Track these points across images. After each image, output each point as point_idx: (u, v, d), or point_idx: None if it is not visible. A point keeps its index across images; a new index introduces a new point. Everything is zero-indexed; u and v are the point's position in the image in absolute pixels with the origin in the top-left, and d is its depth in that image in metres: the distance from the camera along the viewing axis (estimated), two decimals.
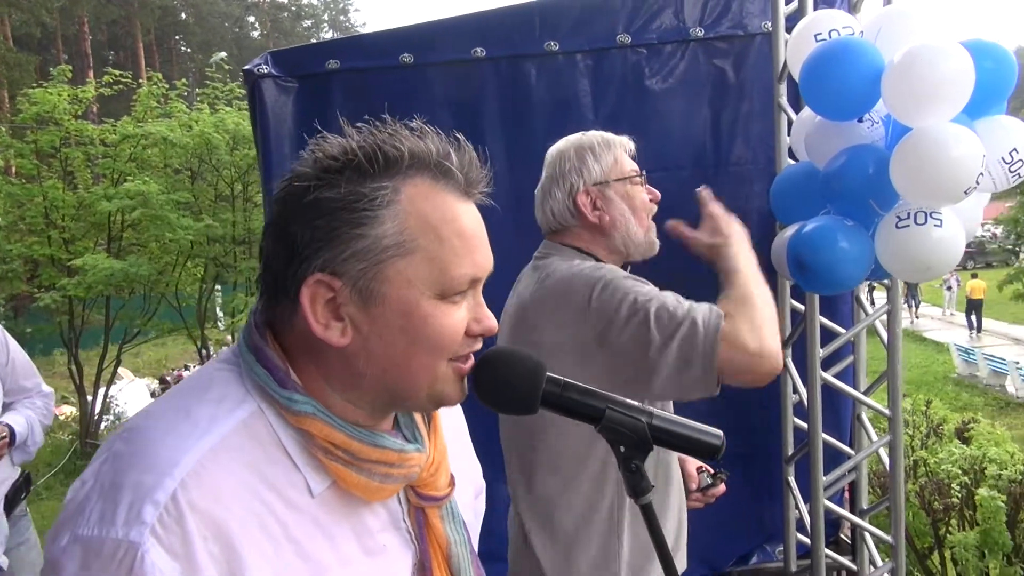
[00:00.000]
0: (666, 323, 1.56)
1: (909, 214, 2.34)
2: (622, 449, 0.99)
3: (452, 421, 1.15)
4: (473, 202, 0.95)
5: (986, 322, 20.50)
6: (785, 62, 3.04)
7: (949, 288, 24.14)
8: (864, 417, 3.45)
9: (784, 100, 3.21)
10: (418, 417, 1.04)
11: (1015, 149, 2.42)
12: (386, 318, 0.89)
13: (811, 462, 3.21)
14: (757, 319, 1.59)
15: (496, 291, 1.12)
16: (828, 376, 3.18)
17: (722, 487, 1.96)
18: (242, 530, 0.83)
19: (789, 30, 3.09)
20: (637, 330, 1.58)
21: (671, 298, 1.61)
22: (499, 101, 3.33)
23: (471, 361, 0.97)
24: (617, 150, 1.89)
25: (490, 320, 0.96)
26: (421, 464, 0.98)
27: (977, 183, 2.25)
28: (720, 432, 1.01)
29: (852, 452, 3.44)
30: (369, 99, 3.10)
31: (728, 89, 3.49)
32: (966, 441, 5.84)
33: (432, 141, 0.92)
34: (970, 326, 20.44)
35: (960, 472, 5.04)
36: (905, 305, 14.45)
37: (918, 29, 2.39)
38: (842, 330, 3.32)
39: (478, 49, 3.25)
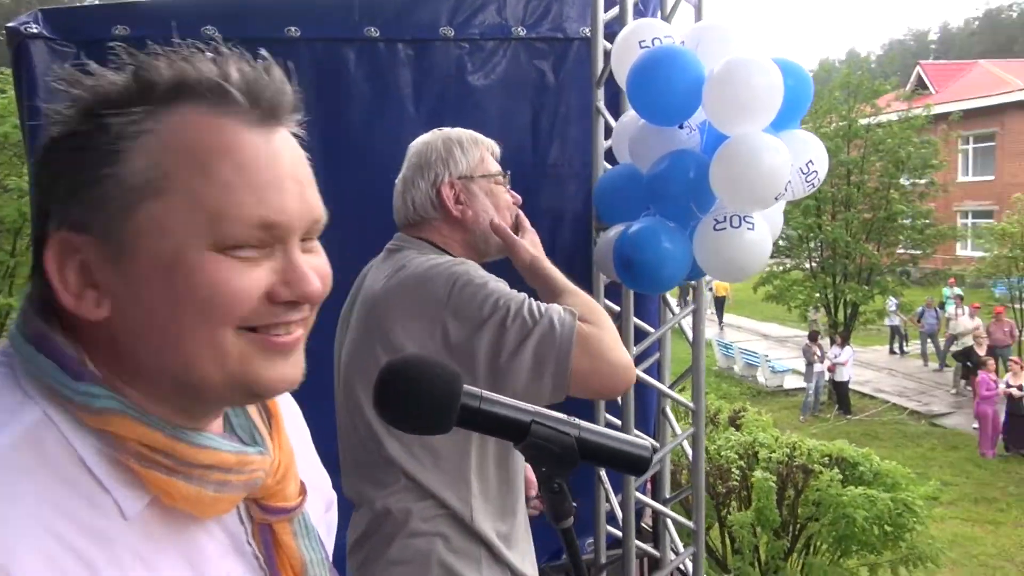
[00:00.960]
0: (527, 323, 1.50)
1: (725, 217, 2.47)
2: (543, 469, 0.89)
3: (293, 423, 0.96)
4: (279, 133, 0.77)
5: (741, 319, 22.90)
6: (604, 67, 3.12)
7: (710, 289, 26.65)
8: (668, 411, 3.63)
9: (602, 104, 3.28)
10: (255, 416, 0.85)
11: (811, 161, 2.65)
12: (142, 277, 0.71)
13: None
14: (608, 326, 1.57)
15: None
16: (640, 372, 3.30)
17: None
18: None
19: (607, 37, 3.17)
20: (496, 330, 1.51)
21: (530, 299, 1.55)
22: (314, 87, 3.10)
23: (295, 335, 0.77)
24: (484, 149, 1.84)
25: (305, 283, 0.75)
26: (265, 469, 0.80)
27: (785, 190, 2.43)
28: (648, 442, 0.94)
29: (658, 445, 3.60)
30: None
31: (547, 91, 3.51)
32: (738, 428, 6.41)
33: (218, 64, 0.74)
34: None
35: (737, 457, 5.51)
36: None
37: (734, 43, 2.54)
38: (651, 329, 3.46)
39: (292, 28, 3.01)
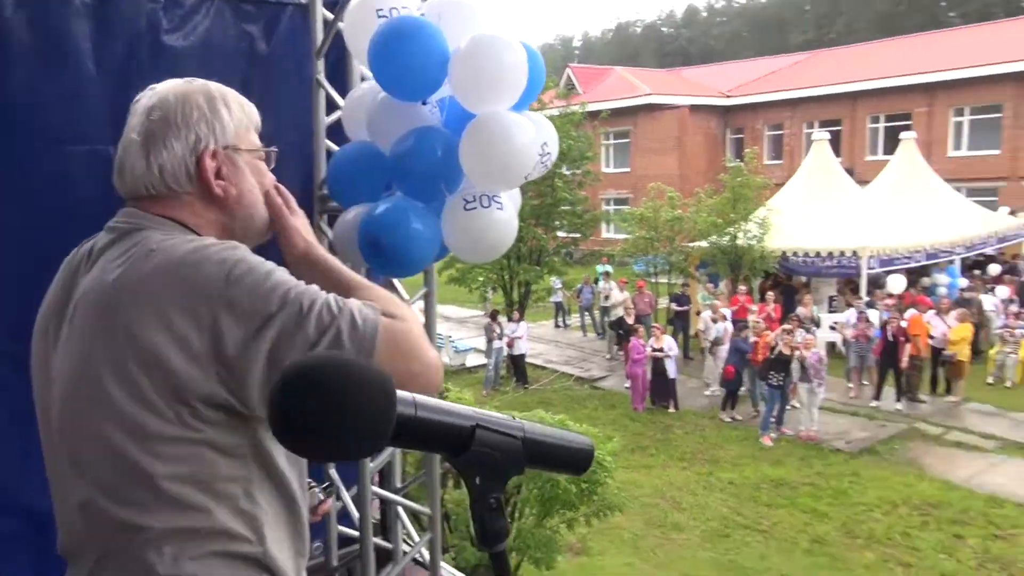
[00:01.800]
0: (323, 320, 1.23)
1: (475, 197, 2.44)
2: (479, 481, 0.74)
3: None
4: None
5: (421, 303, 23.58)
6: (324, 38, 2.92)
7: None
8: None
9: (323, 77, 3.07)
10: None
11: (546, 142, 2.72)
12: None
13: None
14: (415, 321, 1.36)
15: None
16: None
17: (330, 502, 1.73)
18: None
19: (326, 5, 2.97)
20: (286, 328, 1.22)
21: (325, 292, 1.29)
22: None
23: None
24: (252, 114, 1.51)
25: None
26: None
27: (533, 170, 2.47)
28: (588, 438, 0.84)
29: None
30: None
31: (257, 59, 3.18)
32: None
33: None
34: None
35: None
36: None
37: (476, 19, 2.51)
38: None
39: None
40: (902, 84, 29.44)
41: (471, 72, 2.34)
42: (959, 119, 28.82)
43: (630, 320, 14.73)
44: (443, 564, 3.48)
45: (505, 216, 2.50)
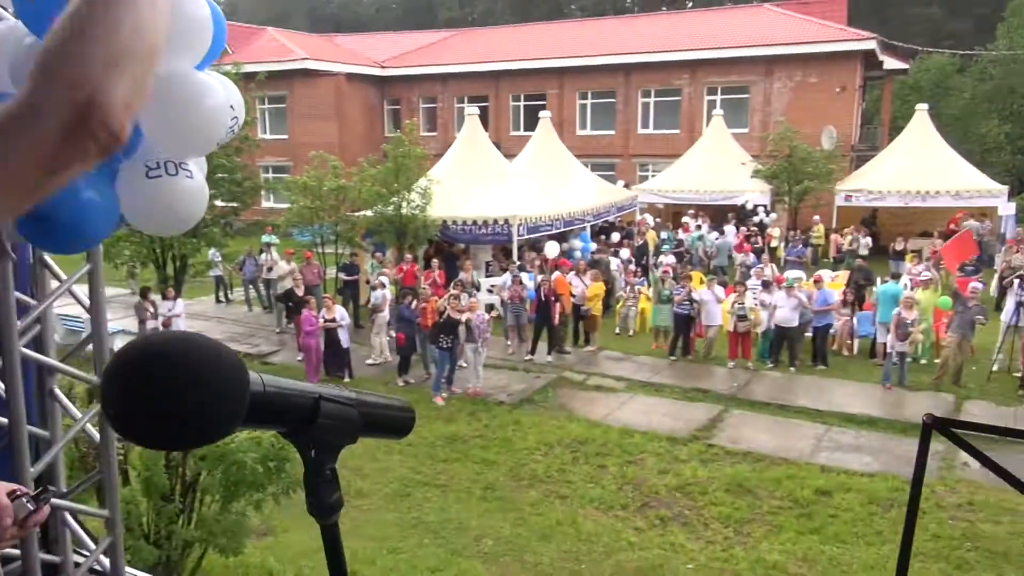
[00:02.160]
0: None
1: (159, 163, 2.20)
2: (314, 453, 0.69)
3: None
4: None
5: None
6: None
7: None
8: (57, 391, 3.09)
9: None
10: None
11: (232, 105, 2.54)
12: None
13: (15, 453, 2.71)
14: None
15: None
16: (29, 352, 2.72)
17: (47, 509, 1.48)
18: None
19: None
20: None
21: None
22: None
23: None
24: None
25: None
26: None
27: (224, 135, 2.28)
28: (407, 400, 0.81)
29: (47, 434, 3.04)
30: None
31: None
32: None
33: None
34: None
35: None
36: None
37: None
38: (32, 300, 2.87)
39: None
40: (537, 67, 32.46)
41: None
42: (584, 102, 32.65)
43: (299, 292, 14.37)
44: (128, 569, 3.15)
45: (196, 185, 2.29)
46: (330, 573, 0.84)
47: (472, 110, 20.35)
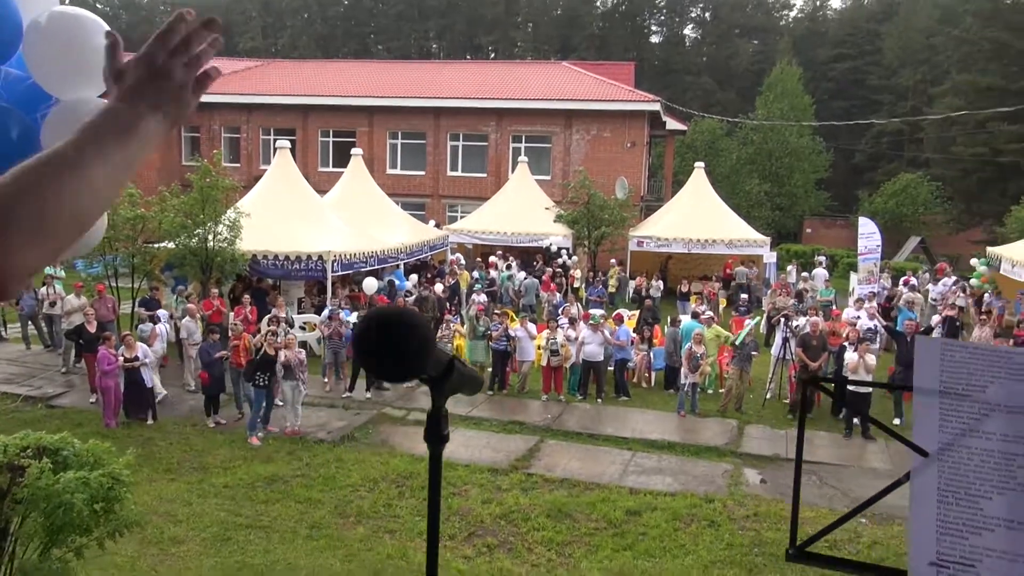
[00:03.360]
0: None
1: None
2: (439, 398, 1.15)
3: None
4: None
5: None
6: None
7: None
8: None
9: None
10: None
11: None
12: None
13: None
14: None
15: None
16: None
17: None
18: None
19: None
20: None
21: None
22: None
23: None
24: None
25: None
26: None
27: None
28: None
29: None
30: None
31: None
32: None
33: None
34: None
35: None
36: None
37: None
38: None
39: None
40: (348, 104, 32.41)
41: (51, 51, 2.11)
42: (394, 141, 32.99)
43: (91, 328, 13.23)
44: None
45: None
46: (429, 491, 1.20)
47: (284, 143, 19.96)
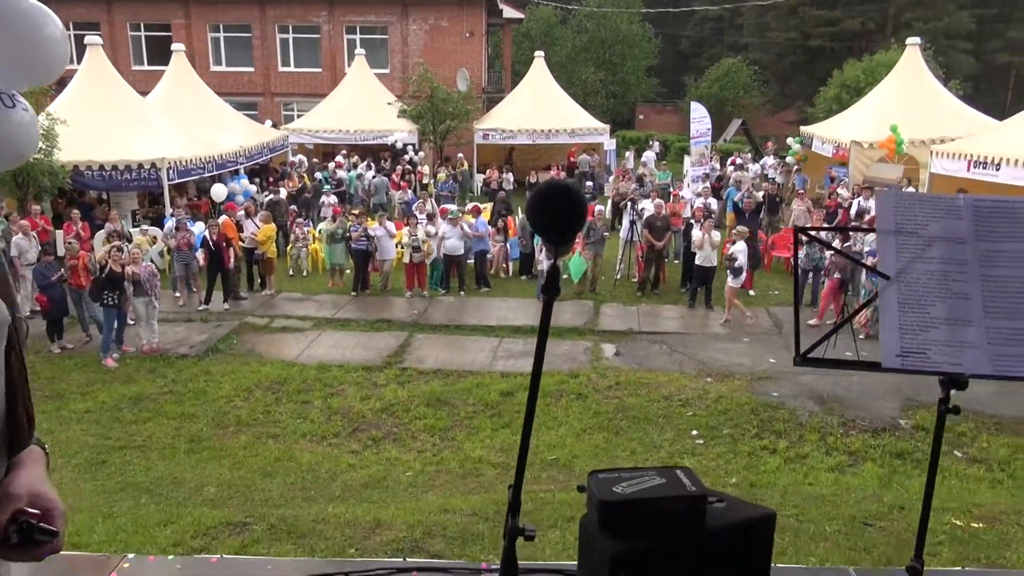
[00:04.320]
0: None
1: None
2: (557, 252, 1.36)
3: None
4: None
5: None
6: None
7: None
8: None
9: None
10: None
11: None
12: None
13: None
14: None
15: None
16: None
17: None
18: None
19: None
20: None
21: None
22: None
23: None
24: None
25: None
26: None
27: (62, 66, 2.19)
28: None
29: None
30: None
31: None
32: None
33: None
34: None
35: None
36: None
37: None
38: None
39: None
40: None
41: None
42: (216, 35, 30.54)
43: None
44: None
45: (28, 117, 2.17)
46: (538, 339, 1.44)
47: (94, 39, 18.12)
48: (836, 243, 11.69)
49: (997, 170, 14.07)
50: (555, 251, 1.33)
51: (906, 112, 18.48)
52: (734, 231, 13.13)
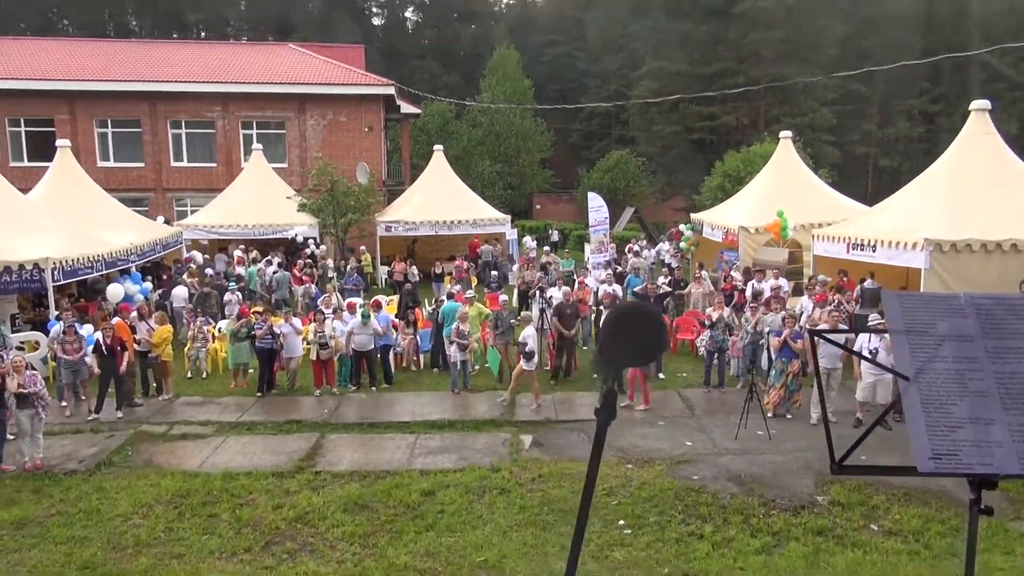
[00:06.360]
0: None
1: None
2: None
3: None
4: None
5: None
6: None
7: None
8: None
9: None
10: None
11: None
12: None
13: None
14: None
15: None
16: None
17: None
18: None
19: None
20: None
21: None
22: None
23: None
24: None
25: None
26: None
27: None
28: None
29: None
30: None
31: None
32: None
33: None
34: None
35: None
36: None
37: None
38: None
39: None
40: (40, 88, 28.49)
41: None
42: (104, 131, 29.68)
43: None
44: None
45: None
46: (589, 466, 1.37)
47: None
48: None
49: (873, 251, 15.16)
50: (615, 375, 1.31)
51: (785, 199, 19.77)
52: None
